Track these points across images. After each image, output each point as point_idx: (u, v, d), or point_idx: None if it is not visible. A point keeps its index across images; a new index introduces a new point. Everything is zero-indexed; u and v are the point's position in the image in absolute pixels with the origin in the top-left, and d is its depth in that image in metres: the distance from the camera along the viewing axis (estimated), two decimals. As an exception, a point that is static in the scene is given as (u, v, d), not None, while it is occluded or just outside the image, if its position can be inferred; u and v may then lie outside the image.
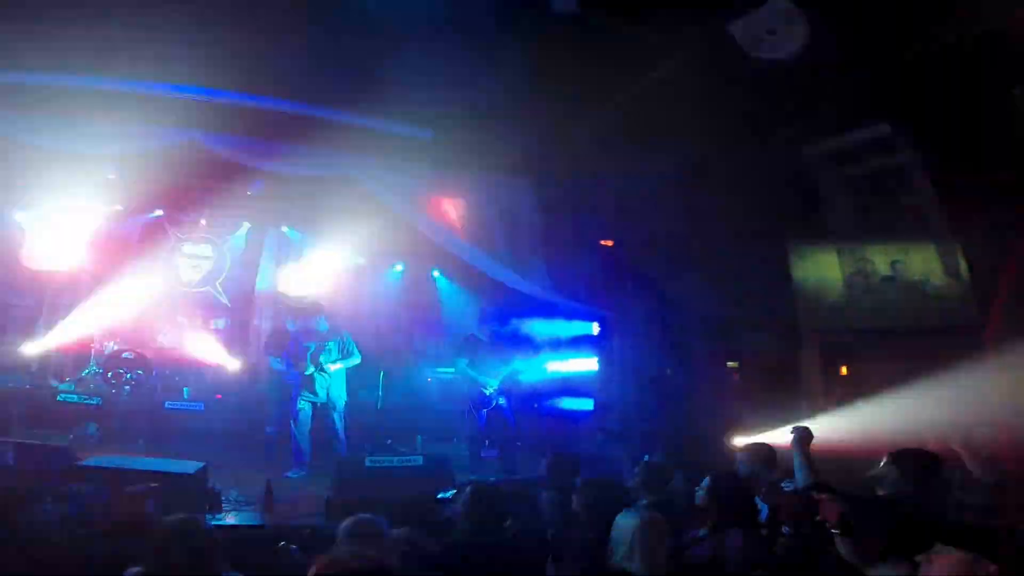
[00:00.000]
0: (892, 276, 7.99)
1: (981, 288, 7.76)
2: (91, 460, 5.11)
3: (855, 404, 7.59)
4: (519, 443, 7.33)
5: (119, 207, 9.09)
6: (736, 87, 7.01)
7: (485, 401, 7.06)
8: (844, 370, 8.36)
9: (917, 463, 5.21)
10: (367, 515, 2.99)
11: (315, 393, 6.83)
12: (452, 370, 8.64)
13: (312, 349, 6.78)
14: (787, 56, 6.28)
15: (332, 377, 6.88)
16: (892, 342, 8.00)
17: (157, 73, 6.88)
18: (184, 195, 9.25)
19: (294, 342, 6.83)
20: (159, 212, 9.44)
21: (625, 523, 3.15)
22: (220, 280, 9.63)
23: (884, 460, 4.04)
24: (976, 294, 7.74)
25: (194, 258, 9.61)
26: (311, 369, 6.75)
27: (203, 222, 9.60)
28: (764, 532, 3.82)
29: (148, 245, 9.37)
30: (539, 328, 8.25)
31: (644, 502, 4.13)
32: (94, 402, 7.73)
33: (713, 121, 7.07)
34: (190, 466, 5.15)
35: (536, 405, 8.10)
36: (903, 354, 8.02)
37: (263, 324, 9.32)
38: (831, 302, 8.20)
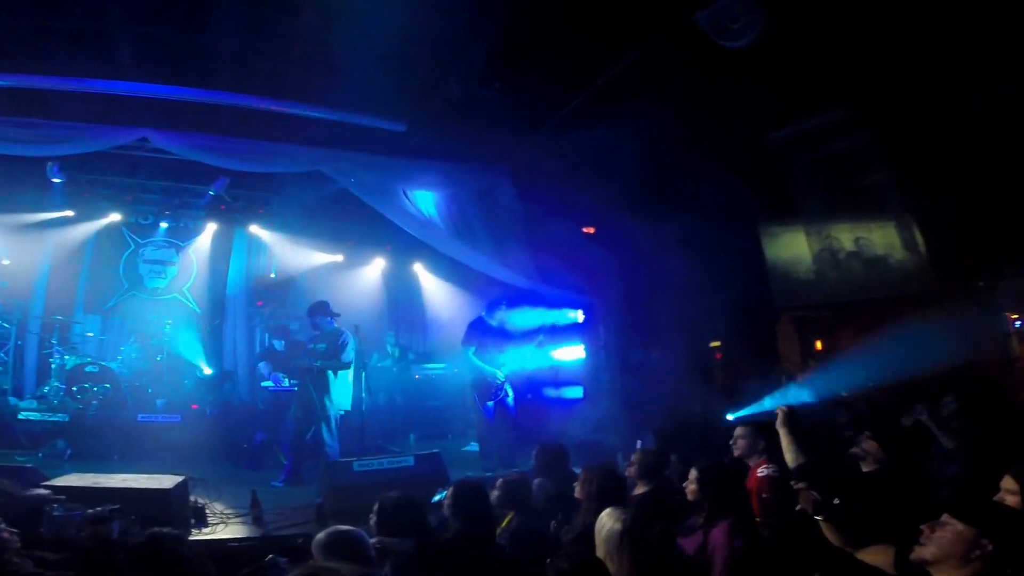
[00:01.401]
0: (857, 252, 8.45)
1: (936, 259, 8.31)
2: (61, 479, 4.87)
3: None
4: (516, 434, 7.27)
5: (70, 212, 8.57)
6: (706, 72, 7.22)
7: (494, 392, 6.93)
8: (819, 344, 8.79)
9: (898, 436, 5.54)
10: (344, 527, 2.88)
11: (306, 398, 6.51)
12: (443, 366, 8.57)
13: (309, 348, 6.52)
14: (751, 43, 6.52)
15: (318, 381, 6.57)
16: (860, 314, 8.47)
17: (103, 69, 6.55)
18: (140, 197, 8.87)
19: (292, 342, 6.55)
20: (115, 217, 8.91)
21: (607, 525, 2.97)
22: (188, 286, 9.21)
23: (865, 435, 4.25)
24: (934, 265, 8.26)
25: (157, 264, 9.15)
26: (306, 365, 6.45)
27: (164, 225, 9.13)
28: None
29: (105, 252, 8.86)
30: (532, 316, 8.24)
31: (638, 491, 4.22)
32: (60, 419, 7.31)
33: (685, 107, 7.28)
34: (169, 481, 4.95)
35: (530, 395, 8.08)
36: (871, 325, 8.53)
37: (238, 329, 8.96)
38: (801, 279, 8.61)
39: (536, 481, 4.65)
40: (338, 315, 6.94)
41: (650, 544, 2.89)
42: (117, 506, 4.06)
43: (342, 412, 6.72)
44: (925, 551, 2.20)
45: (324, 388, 6.65)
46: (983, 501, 3.62)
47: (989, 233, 8.19)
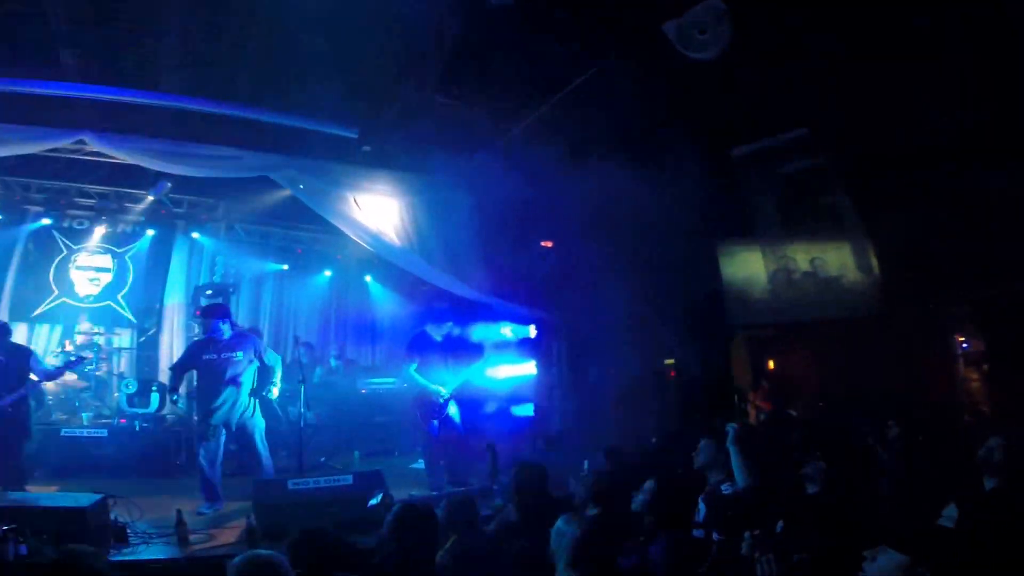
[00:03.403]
0: (812, 272, 8.46)
1: (889, 282, 8.37)
2: None
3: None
4: (465, 453, 7.04)
5: (-1, 215, 8.15)
6: (665, 88, 7.16)
7: (438, 410, 6.67)
8: (771, 364, 8.79)
9: (845, 457, 5.51)
10: (263, 552, 2.65)
11: (224, 416, 5.92)
12: (391, 380, 8.27)
13: (217, 359, 5.93)
14: (713, 57, 6.47)
15: (243, 395, 6.00)
16: (813, 335, 8.49)
17: (41, 70, 6.21)
18: (74, 201, 8.46)
19: (194, 356, 6.04)
20: (45, 220, 8.46)
21: (563, 531, 3.04)
22: (122, 293, 8.76)
23: (816, 456, 4.20)
24: (885, 287, 8.32)
25: (90, 270, 8.70)
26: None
27: (100, 230, 8.69)
28: (701, 534, 3.86)
29: (35, 257, 8.39)
30: (480, 331, 8.04)
31: (592, 513, 4.01)
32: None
33: (642, 123, 7.20)
34: (86, 499, 4.69)
35: (478, 412, 7.86)
36: (823, 346, 8.56)
37: (174, 339, 8.55)
38: (756, 298, 8.58)
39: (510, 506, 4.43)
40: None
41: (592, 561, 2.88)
42: (13, 525, 3.81)
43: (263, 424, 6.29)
44: None
45: (246, 401, 6.09)
46: (922, 527, 3.64)
47: (940, 257, 8.29)
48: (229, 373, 5.89)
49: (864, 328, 8.10)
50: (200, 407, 6.02)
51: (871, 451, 5.16)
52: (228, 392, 5.89)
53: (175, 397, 6.16)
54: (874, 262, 8.33)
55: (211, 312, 6.21)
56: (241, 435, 5.99)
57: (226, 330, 6.00)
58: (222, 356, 5.90)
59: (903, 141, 7.60)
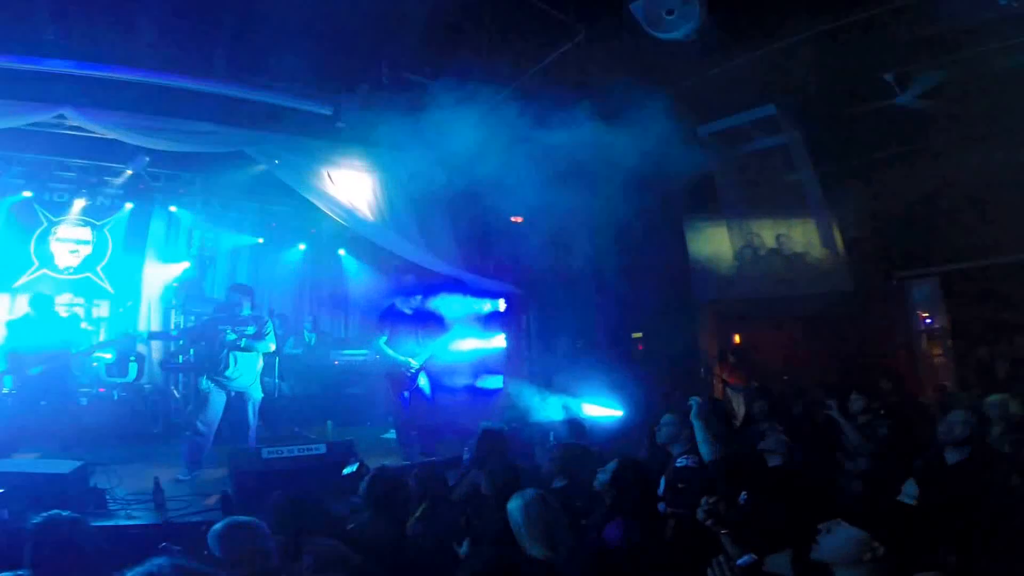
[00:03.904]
0: (777, 248, 8.63)
1: (854, 258, 8.54)
2: None
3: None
4: (434, 422, 7.19)
5: (-22, 188, 8.25)
6: (638, 63, 7.28)
7: (408, 382, 6.81)
8: (737, 338, 8.97)
9: (806, 430, 5.63)
10: (242, 518, 2.79)
11: (227, 382, 6.13)
12: (364, 352, 8.41)
13: (229, 333, 6.12)
14: (682, 37, 6.59)
15: (243, 365, 6.18)
16: (778, 309, 8.67)
17: (21, 45, 6.29)
18: (55, 174, 8.56)
19: (211, 326, 6.23)
20: (26, 193, 8.58)
21: (513, 507, 3.08)
22: (101, 265, 8.90)
23: (776, 429, 4.32)
24: (850, 264, 8.48)
25: (70, 242, 8.81)
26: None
27: (79, 203, 8.81)
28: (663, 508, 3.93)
29: (15, 229, 8.52)
30: (449, 304, 8.17)
31: (558, 485, 4.14)
32: (-37, 402, 7.00)
33: (617, 97, 7.32)
34: (66, 465, 4.80)
35: (448, 384, 8.01)
36: (788, 320, 8.74)
37: (153, 312, 8.69)
38: (723, 274, 8.77)
39: (479, 471, 4.52)
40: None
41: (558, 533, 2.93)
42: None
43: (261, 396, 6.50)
44: (820, 552, 2.30)
45: (251, 373, 6.32)
46: (880, 502, 3.74)
47: (903, 234, 8.45)
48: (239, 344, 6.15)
49: (829, 303, 8.26)
50: (208, 374, 6.16)
51: (833, 424, 5.25)
52: (234, 361, 6.11)
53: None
54: (839, 239, 8.49)
55: (238, 290, 6.48)
56: (237, 403, 6.15)
57: (247, 306, 6.28)
58: (235, 329, 6.11)
59: (865, 119, 7.75)
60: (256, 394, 6.30)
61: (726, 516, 2.93)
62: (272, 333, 6.45)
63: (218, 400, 6.07)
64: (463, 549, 3.30)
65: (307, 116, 7.72)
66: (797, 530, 2.62)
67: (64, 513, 2.67)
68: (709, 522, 2.90)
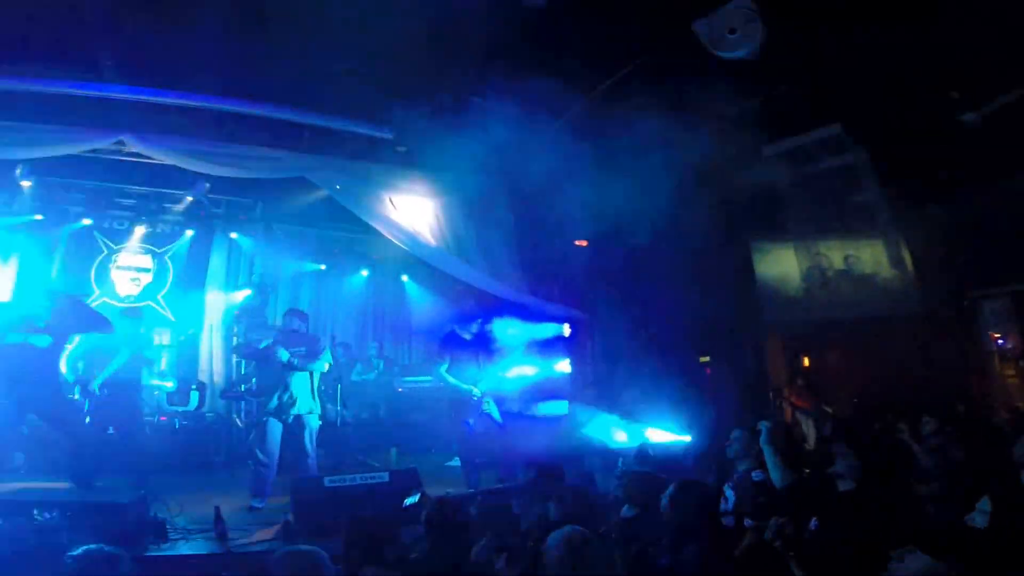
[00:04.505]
0: (846, 270, 8.47)
1: (924, 278, 8.36)
2: (9, 494, 4.69)
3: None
4: (503, 451, 7.05)
5: (39, 217, 8.24)
6: (700, 89, 7.19)
7: (471, 409, 6.70)
8: (806, 361, 8.79)
9: (877, 453, 5.47)
10: (304, 547, 2.72)
11: (283, 409, 6.06)
12: (428, 379, 8.32)
13: (282, 353, 6.05)
14: (746, 56, 6.51)
15: (298, 389, 6.11)
16: (847, 332, 8.49)
17: (80, 72, 6.33)
18: (114, 201, 8.58)
19: (269, 350, 6.17)
20: (86, 221, 8.58)
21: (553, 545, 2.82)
22: (162, 293, 8.87)
23: (846, 453, 4.18)
24: (920, 284, 8.30)
25: (131, 270, 8.80)
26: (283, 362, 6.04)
27: (139, 230, 8.81)
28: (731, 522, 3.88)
29: (77, 258, 8.51)
30: (511, 329, 8.06)
31: (627, 515, 4.05)
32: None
33: (680, 120, 7.23)
34: (126, 495, 4.81)
35: (513, 410, 7.89)
36: (857, 343, 8.56)
37: (214, 340, 8.64)
38: (790, 296, 8.61)
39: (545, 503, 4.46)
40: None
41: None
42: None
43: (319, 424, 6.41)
44: None
45: (306, 399, 6.20)
46: (956, 527, 3.61)
47: (975, 252, 8.27)
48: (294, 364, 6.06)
49: (899, 325, 8.09)
50: (263, 401, 6.11)
51: (906, 448, 5.15)
52: (290, 387, 6.04)
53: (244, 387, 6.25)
54: (908, 259, 8.32)
55: (295, 315, 6.43)
56: (295, 430, 6.07)
57: (300, 331, 6.23)
58: (290, 349, 6.03)
59: (936, 136, 7.61)
60: (313, 422, 6.20)
61: (794, 539, 2.90)
62: (328, 351, 6.40)
63: (275, 428, 6.00)
64: None
65: (367, 140, 7.73)
66: (868, 557, 2.55)
67: (106, 548, 2.59)
68: (777, 543, 2.87)
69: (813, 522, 3.50)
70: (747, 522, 3.75)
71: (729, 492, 4.32)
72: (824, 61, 7.19)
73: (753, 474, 4.24)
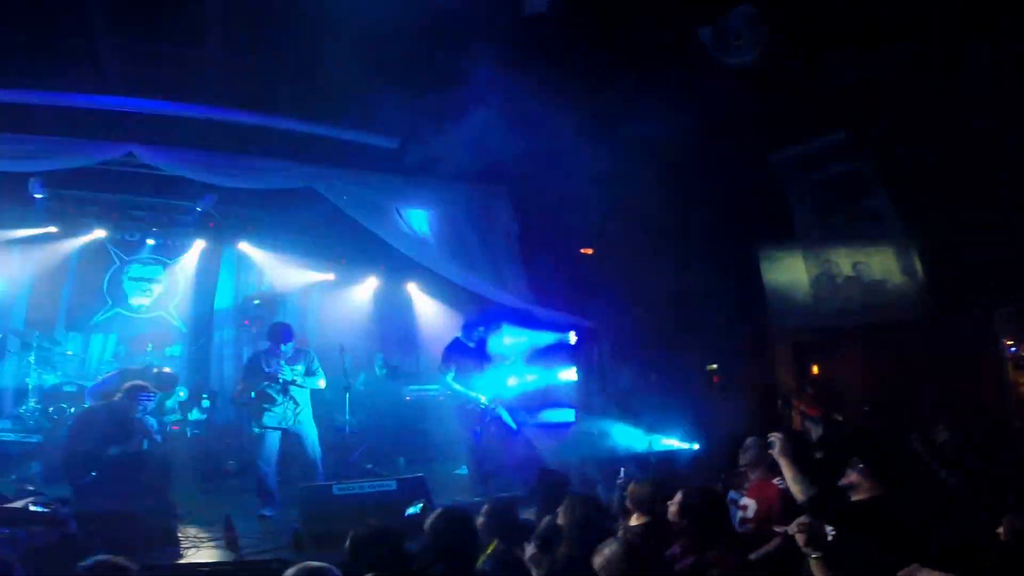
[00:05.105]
0: (855, 276, 8.36)
1: (935, 285, 8.23)
2: (23, 503, 4.69)
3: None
4: (510, 459, 7.07)
5: (53, 229, 8.37)
6: (706, 94, 7.17)
7: (479, 417, 6.72)
8: (815, 369, 8.69)
9: (890, 463, 5.39)
10: (314, 563, 2.72)
11: (281, 421, 6.24)
12: (435, 387, 8.35)
13: (281, 372, 6.24)
14: (749, 62, 6.49)
15: (300, 403, 6.34)
16: (857, 339, 8.38)
17: (90, 84, 6.40)
18: (126, 213, 8.69)
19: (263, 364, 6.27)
20: (100, 233, 8.70)
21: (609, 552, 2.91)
22: (174, 303, 8.99)
23: (857, 464, 4.11)
24: (930, 291, 8.18)
25: (143, 281, 8.93)
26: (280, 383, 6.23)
27: (150, 242, 8.92)
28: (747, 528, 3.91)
29: (89, 269, 8.64)
30: (516, 337, 8.08)
31: (637, 524, 4.06)
32: (34, 440, 7.13)
33: (686, 127, 7.20)
34: (139, 505, 4.93)
35: (519, 418, 7.90)
36: (868, 350, 8.44)
37: (224, 349, 8.73)
38: (799, 303, 8.51)
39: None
40: None
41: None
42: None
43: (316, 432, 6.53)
44: None
45: (307, 410, 6.44)
46: (970, 538, 3.56)
47: (987, 259, 8.14)
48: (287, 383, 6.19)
49: (910, 332, 7.97)
50: (257, 413, 6.17)
51: (918, 458, 5.11)
52: (285, 400, 6.16)
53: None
54: (918, 265, 8.20)
55: (278, 331, 6.50)
56: (294, 440, 6.17)
57: (289, 349, 6.31)
58: (283, 367, 6.18)
59: (945, 142, 7.52)
60: (310, 431, 6.33)
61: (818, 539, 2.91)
62: (321, 370, 6.53)
63: (272, 437, 6.16)
64: None
65: (374, 150, 7.75)
66: (881, 570, 2.54)
67: (117, 559, 2.64)
68: (801, 539, 2.91)
69: (829, 531, 3.42)
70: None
71: (748, 500, 4.33)
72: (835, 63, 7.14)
73: (776, 481, 4.22)
